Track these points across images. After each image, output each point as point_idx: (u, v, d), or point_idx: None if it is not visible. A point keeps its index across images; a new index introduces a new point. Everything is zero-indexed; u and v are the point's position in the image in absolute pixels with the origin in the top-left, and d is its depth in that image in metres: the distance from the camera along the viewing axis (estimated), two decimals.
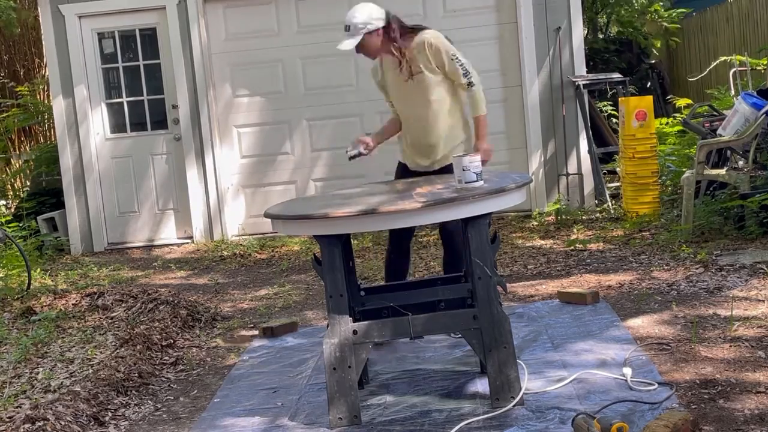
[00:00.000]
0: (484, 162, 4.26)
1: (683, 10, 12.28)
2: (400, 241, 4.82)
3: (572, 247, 6.74)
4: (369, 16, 4.50)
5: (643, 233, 6.97)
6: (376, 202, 3.69)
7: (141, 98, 8.94)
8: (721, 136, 6.66)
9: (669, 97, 10.75)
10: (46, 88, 11.64)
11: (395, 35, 4.56)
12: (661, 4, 12.01)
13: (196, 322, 5.61)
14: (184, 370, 4.78)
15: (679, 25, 12.60)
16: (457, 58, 4.54)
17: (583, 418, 3.26)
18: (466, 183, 3.68)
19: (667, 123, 9.46)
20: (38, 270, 7.72)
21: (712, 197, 6.71)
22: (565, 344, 4.45)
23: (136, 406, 4.24)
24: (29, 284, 6.78)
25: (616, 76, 8.97)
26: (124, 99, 8.95)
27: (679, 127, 8.65)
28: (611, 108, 10.48)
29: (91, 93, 8.87)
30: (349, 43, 4.49)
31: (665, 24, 12.18)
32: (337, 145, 8.72)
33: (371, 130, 8.57)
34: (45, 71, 11.64)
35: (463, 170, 3.69)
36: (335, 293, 3.63)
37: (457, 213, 3.55)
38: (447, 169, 4.51)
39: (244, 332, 5.43)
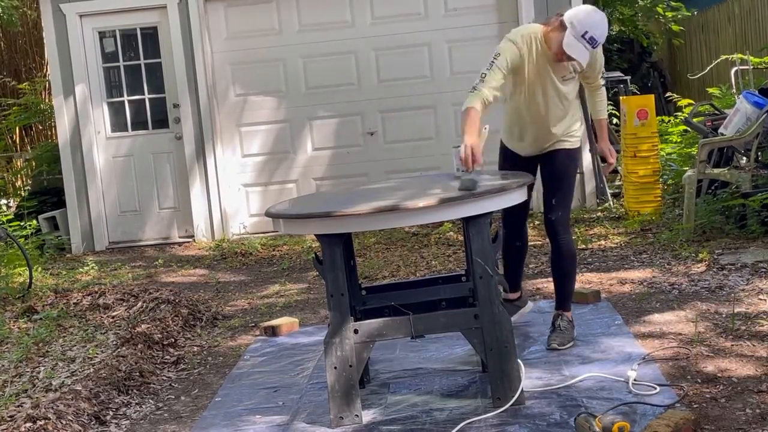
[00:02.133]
0: (611, 164, 4.36)
1: (686, 13, 12.26)
2: (518, 224, 4.67)
3: None
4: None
5: (645, 232, 6.97)
6: (377, 201, 3.69)
7: (142, 97, 8.94)
8: (722, 135, 6.65)
9: (668, 95, 10.74)
10: (47, 86, 11.64)
11: None
12: (665, 5, 12.00)
13: (198, 321, 5.61)
14: (185, 369, 4.78)
15: (682, 27, 12.59)
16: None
17: (585, 417, 3.26)
18: (462, 172, 3.79)
19: (669, 122, 9.46)
20: (39, 269, 7.72)
21: (713, 196, 6.71)
22: None
23: (137, 405, 4.24)
24: (30, 283, 6.78)
25: (618, 74, 8.96)
26: (125, 98, 8.95)
27: (681, 127, 8.65)
28: (612, 107, 10.47)
29: (92, 92, 8.87)
30: (587, 58, 4.16)
31: (668, 24, 12.17)
32: (338, 144, 8.73)
33: (372, 129, 8.65)
34: (46, 70, 11.65)
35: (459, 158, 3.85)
36: (336, 292, 3.63)
37: (458, 212, 3.55)
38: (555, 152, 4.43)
39: (245, 331, 5.43)
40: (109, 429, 3.96)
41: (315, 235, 3.79)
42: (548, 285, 5.68)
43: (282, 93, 8.77)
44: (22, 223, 8.79)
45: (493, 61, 4.14)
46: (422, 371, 4.27)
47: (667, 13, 11.99)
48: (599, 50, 4.31)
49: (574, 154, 4.49)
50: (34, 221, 8.98)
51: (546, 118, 4.36)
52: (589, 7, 4.20)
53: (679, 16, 12.14)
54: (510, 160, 4.62)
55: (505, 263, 4.75)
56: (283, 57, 8.72)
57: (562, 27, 4.12)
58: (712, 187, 6.82)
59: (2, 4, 9.70)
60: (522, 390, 3.64)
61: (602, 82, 4.49)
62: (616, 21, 13.29)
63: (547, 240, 7.12)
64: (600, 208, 8.22)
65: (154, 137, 8.94)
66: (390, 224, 3.68)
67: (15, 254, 7.77)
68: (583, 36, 4.05)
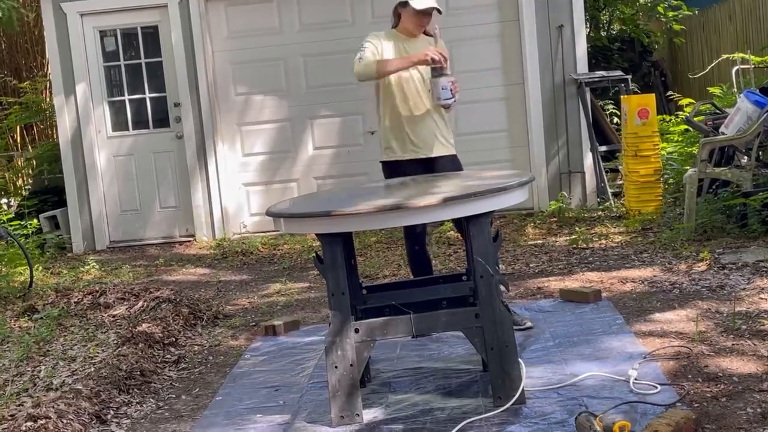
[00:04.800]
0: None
1: (687, 12, 12.25)
2: (419, 233, 4.86)
3: (574, 246, 6.73)
4: None
5: (646, 231, 6.96)
6: (378, 200, 3.69)
7: (143, 96, 8.94)
8: (723, 134, 6.65)
9: (669, 94, 10.73)
10: (48, 85, 11.64)
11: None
12: (666, 4, 11.98)
13: (198, 320, 5.62)
14: (186, 368, 4.78)
15: (683, 26, 12.58)
16: None
17: (586, 416, 3.26)
18: (444, 100, 4.39)
19: (670, 121, 9.45)
20: (40, 268, 7.72)
21: (714, 195, 6.70)
22: (567, 343, 4.45)
23: (138, 405, 4.24)
24: (31, 282, 6.79)
25: (619, 73, 8.96)
26: (126, 97, 8.95)
27: (682, 126, 8.64)
28: (612, 106, 10.47)
29: (93, 91, 8.87)
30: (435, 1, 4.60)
31: (669, 24, 12.15)
32: (339, 143, 8.73)
33: (373, 128, 8.64)
34: (47, 69, 11.66)
35: (442, 89, 4.36)
36: (337, 291, 3.63)
37: (459, 211, 3.55)
38: (439, 160, 4.73)
39: (246, 330, 5.43)
40: (110, 428, 3.96)
41: (316, 234, 3.79)
42: (548, 284, 5.69)
43: (283, 92, 8.77)
44: (22, 222, 8.79)
45: (362, 46, 4.61)
46: (423, 370, 4.27)
47: (668, 13, 11.97)
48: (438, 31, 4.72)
49: (457, 160, 4.82)
50: (35, 220, 8.98)
51: (424, 105, 4.67)
52: None
53: (680, 15, 12.12)
54: (397, 175, 4.76)
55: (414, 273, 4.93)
56: (283, 56, 8.72)
57: (402, 6, 4.64)
58: (713, 187, 6.81)
59: (2, 5, 9.69)
60: (523, 389, 3.64)
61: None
62: (617, 20, 13.28)
63: (547, 240, 7.14)
64: (601, 207, 8.22)
65: (155, 136, 8.94)
66: (391, 223, 3.68)
67: (16, 253, 7.77)
68: None
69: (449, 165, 4.76)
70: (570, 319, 4.85)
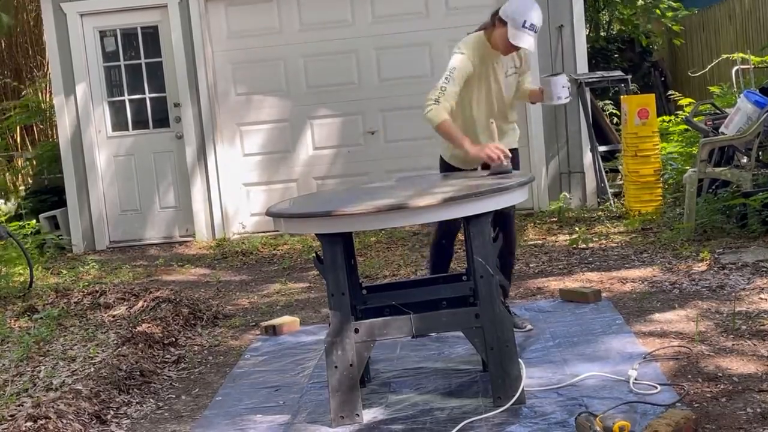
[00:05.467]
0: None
1: (687, 12, 12.25)
2: (452, 230, 4.82)
3: (574, 246, 6.73)
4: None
5: (646, 231, 6.96)
6: (378, 200, 3.68)
7: (143, 96, 8.94)
8: (723, 134, 6.65)
9: (669, 94, 10.73)
10: (48, 86, 11.65)
11: None
12: (665, 5, 11.99)
13: (198, 321, 5.61)
14: (186, 368, 4.78)
15: (682, 27, 12.58)
16: None
17: (586, 416, 3.26)
18: (565, 99, 4.52)
19: (670, 121, 9.45)
20: (40, 268, 7.72)
21: (714, 195, 6.70)
22: (567, 343, 4.45)
23: (137, 405, 4.24)
24: (31, 282, 6.79)
25: (618, 74, 8.96)
26: (126, 97, 8.95)
27: (682, 126, 8.64)
28: (612, 106, 10.47)
29: (93, 91, 8.87)
30: (534, 44, 4.53)
31: (669, 24, 12.16)
32: (338, 143, 8.73)
33: (373, 128, 8.65)
34: (47, 69, 11.66)
35: (563, 87, 4.48)
36: (337, 291, 3.63)
37: (459, 211, 3.55)
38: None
39: (246, 330, 5.43)
40: (110, 428, 3.96)
41: (316, 234, 3.78)
42: (548, 284, 5.69)
43: (283, 92, 8.77)
44: (20, 223, 8.79)
45: (449, 75, 4.41)
46: (423, 370, 4.27)
47: (667, 14, 11.98)
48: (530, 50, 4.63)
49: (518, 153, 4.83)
50: (33, 221, 8.98)
51: (502, 113, 4.64)
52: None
53: (680, 15, 12.13)
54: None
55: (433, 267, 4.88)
56: (283, 56, 8.72)
57: (502, 23, 4.43)
58: (713, 187, 6.81)
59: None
60: (523, 389, 3.64)
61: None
62: (616, 20, 13.28)
63: (547, 240, 7.14)
64: (601, 207, 8.22)
65: (155, 136, 8.94)
66: (391, 223, 3.68)
67: (16, 253, 7.76)
68: (523, 25, 4.36)
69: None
70: (570, 319, 4.85)
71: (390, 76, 8.58)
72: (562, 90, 4.52)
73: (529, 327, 4.75)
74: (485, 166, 4.57)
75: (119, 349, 4.87)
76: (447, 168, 4.75)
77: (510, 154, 4.21)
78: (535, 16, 4.39)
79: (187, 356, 4.95)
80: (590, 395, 3.69)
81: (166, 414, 4.12)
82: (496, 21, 4.48)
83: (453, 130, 4.37)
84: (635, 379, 3.76)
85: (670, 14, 12.02)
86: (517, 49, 4.50)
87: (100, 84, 8.90)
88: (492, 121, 4.42)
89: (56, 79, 8.87)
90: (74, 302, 6.10)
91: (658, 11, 11.86)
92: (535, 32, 4.41)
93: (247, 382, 4.42)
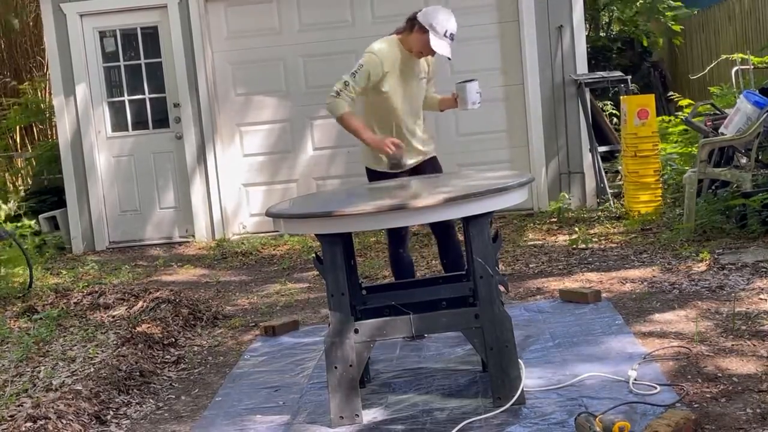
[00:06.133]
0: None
1: (686, 11, 12.26)
2: (403, 236, 4.89)
3: (574, 246, 6.73)
4: None
5: (645, 232, 6.96)
6: (378, 200, 3.69)
7: (143, 97, 8.94)
8: (723, 134, 6.65)
9: (669, 94, 10.74)
10: (47, 86, 11.64)
11: None
12: (665, 5, 12.00)
13: (198, 321, 5.61)
14: (186, 368, 4.78)
15: (682, 27, 12.59)
16: None
17: (585, 416, 3.26)
18: (478, 104, 4.65)
19: (670, 121, 9.46)
20: (40, 268, 7.72)
21: (714, 196, 6.70)
22: (567, 343, 4.44)
23: (137, 405, 4.24)
24: (31, 283, 6.79)
25: (618, 74, 8.97)
26: (126, 97, 8.95)
27: (682, 126, 8.64)
28: (612, 107, 10.47)
29: (93, 91, 8.87)
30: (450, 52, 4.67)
31: (669, 23, 12.17)
32: (338, 143, 8.72)
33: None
34: (47, 69, 11.65)
35: (476, 93, 4.63)
36: (337, 292, 3.63)
37: (459, 212, 3.55)
38: (422, 166, 4.82)
39: (245, 331, 5.43)
40: (110, 428, 3.96)
41: (315, 234, 3.79)
42: (548, 284, 5.69)
43: (282, 92, 8.77)
44: (18, 224, 8.79)
45: (356, 71, 4.61)
46: (423, 371, 4.27)
47: (667, 13, 11.99)
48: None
49: (438, 161, 4.97)
50: (33, 221, 8.97)
51: (417, 116, 4.79)
52: (438, 8, 4.74)
53: (680, 15, 12.14)
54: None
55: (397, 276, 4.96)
56: (283, 56, 8.72)
57: (422, 30, 4.61)
58: (713, 187, 6.81)
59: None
60: (522, 389, 3.64)
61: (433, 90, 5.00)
62: (616, 21, 13.29)
63: (547, 240, 7.14)
64: (600, 207, 8.22)
65: (155, 137, 8.94)
66: (392, 224, 3.68)
67: (16, 254, 7.76)
68: (444, 35, 4.60)
69: (429, 168, 4.86)
70: (570, 319, 4.85)
71: None
72: (476, 95, 4.67)
73: None
74: (414, 171, 4.76)
75: (119, 349, 4.87)
76: (374, 176, 4.81)
77: (403, 144, 4.57)
78: (454, 26, 4.64)
79: (186, 357, 4.95)
80: (590, 395, 3.69)
81: (166, 414, 4.12)
82: (416, 27, 4.64)
83: (354, 121, 4.62)
84: (635, 380, 3.76)
85: (670, 14, 12.03)
86: (432, 53, 4.67)
87: (99, 84, 8.90)
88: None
89: (56, 79, 8.87)
90: (74, 303, 6.10)
91: (661, 6, 11.86)
92: (452, 40, 4.63)
93: (246, 383, 4.42)
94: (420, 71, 4.77)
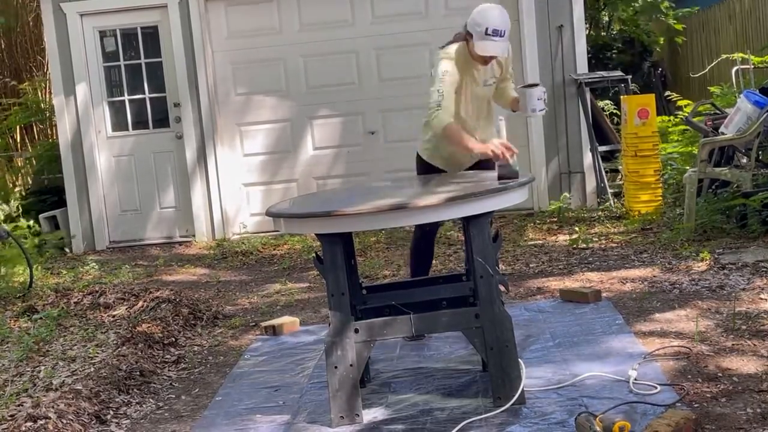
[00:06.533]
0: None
1: (688, 9, 12.26)
2: (430, 231, 4.85)
3: (574, 246, 6.73)
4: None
5: (646, 231, 6.96)
6: (378, 200, 3.68)
7: (143, 96, 8.94)
8: (723, 134, 6.64)
9: (667, 94, 10.73)
10: (47, 86, 11.64)
11: None
12: (667, 4, 12.00)
13: (198, 321, 5.61)
14: (186, 368, 4.78)
15: (684, 25, 12.59)
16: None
17: (585, 416, 3.26)
18: (539, 111, 4.37)
19: (670, 121, 9.46)
20: (40, 268, 7.72)
21: (714, 196, 6.70)
22: (567, 343, 4.44)
23: (137, 405, 4.24)
24: (31, 282, 6.78)
25: (619, 74, 8.96)
26: (126, 97, 8.95)
27: (682, 126, 8.64)
28: (612, 106, 10.47)
29: (93, 91, 8.87)
30: (504, 50, 4.46)
31: (669, 22, 12.17)
32: (338, 143, 8.73)
33: (372, 128, 8.66)
34: (47, 69, 11.65)
35: (538, 99, 4.33)
36: (337, 291, 3.63)
37: (460, 211, 3.55)
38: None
39: (246, 330, 5.43)
40: (110, 428, 3.96)
41: (316, 234, 3.78)
42: (548, 284, 5.69)
43: (283, 92, 8.77)
44: (17, 223, 8.79)
45: (443, 79, 4.37)
46: (423, 371, 4.27)
47: (669, 12, 11.99)
48: (509, 48, 4.58)
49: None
50: (33, 221, 8.97)
51: (478, 124, 4.61)
52: (481, 6, 4.42)
53: (680, 13, 12.13)
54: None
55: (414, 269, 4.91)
56: (283, 56, 8.72)
57: (470, 35, 4.40)
58: (713, 187, 6.81)
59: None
60: (523, 389, 3.64)
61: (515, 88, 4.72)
62: (616, 20, 13.28)
63: (547, 240, 7.14)
64: (601, 207, 8.22)
65: (155, 136, 8.94)
66: (392, 223, 3.68)
67: (16, 253, 7.76)
68: (486, 33, 4.32)
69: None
70: (570, 319, 4.85)
71: (390, 76, 8.58)
72: (537, 102, 4.39)
73: None
74: (474, 167, 4.59)
75: (119, 349, 4.87)
76: (427, 168, 4.74)
77: (517, 151, 4.11)
78: (497, 21, 4.32)
79: (187, 356, 4.95)
80: (590, 395, 3.68)
81: (166, 414, 4.12)
82: (465, 32, 4.45)
83: (459, 132, 4.37)
84: (635, 379, 3.76)
85: (672, 13, 12.04)
86: (492, 58, 4.46)
87: (100, 84, 8.90)
88: (501, 118, 4.44)
89: (56, 79, 8.87)
90: (74, 302, 6.10)
91: (664, 5, 11.86)
92: (501, 36, 4.33)
93: (247, 382, 4.42)
94: (487, 78, 4.58)
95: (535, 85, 4.46)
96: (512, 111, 4.78)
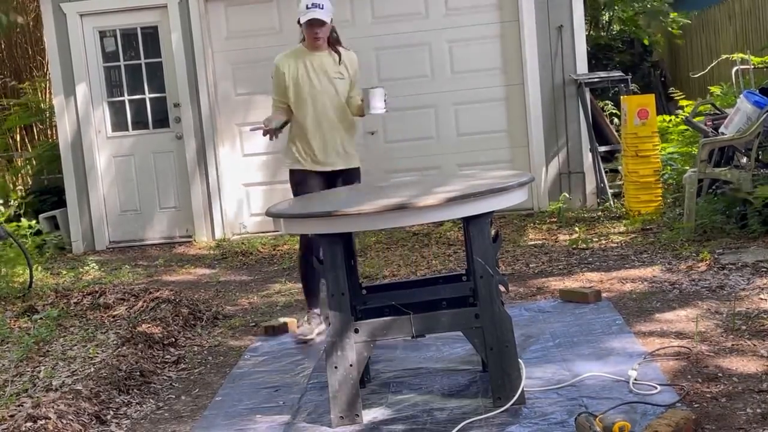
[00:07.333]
0: None
1: (685, 15, 12.27)
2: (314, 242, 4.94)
3: (574, 246, 6.73)
4: (331, 6, 4.83)
5: (646, 232, 6.96)
6: (379, 200, 3.68)
7: (143, 97, 8.94)
8: (723, 134, 6.65)
9: (670, 90, 10.72)
10: (47, 86, 11.64)
11: (336, 36, 4.96)
12: (668, 5, 12.01)
13: (198, 321, 5.61)
14: (186, 368, 4.78)
15: (686, 23, 12.59)
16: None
17: (585, 416, 3.26)
18: (380, 110, 4.71)
19: (670, 121, 9.46)
20: (40, 268, 7.71)
21: (714, 196, 6.70)
22: (567, 343, 4.44)
23: (137, 405, 4.24)
24: (31, 282, 6.78)
25: (619, 74, 8.97)
26: (126, 97, 8.96)
27: (682, 126, 8.64)
28: (612, 107, 10.47)
29: (93, 91, 8.87)
30: (325, 15, 4.74)
31: (670, 27, 12.19)
32: None
33: (373, 128, 8.65)
34: (47, 69, 11.65)
35: (381, 100, 4.68)
36: (337, 292, 3.63)
37: (460, 212, 3.55)
38: (341, 174, 5.00)
39: (246, 331, 5.43)
40: (110, 428, 3.96)
41: (316, 234, 3.79)
42: (548, 284, 5.69)
43: None
44: (18, 223, 8.78)
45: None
46: (423, 371, 4.27)
47: (672, 14, 12.00)
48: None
49: (359, 173, 5.16)
50: (33, 221, 8.96)
51: (334, 117, 4.94)
52: None
53: (681, 22, 12.16)
54: (306, 185, 4.98)
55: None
56: None
57: (299, 21, 4.83)
58: (713, 187, 6.81)
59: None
60: (523, 389, 3.64)
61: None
62: (616, 21, 13.29)
63: (547, 240, 7.14)
64: (600, 207, 8.22)
65: (155, 137, 8.94)
66: (391, 224, 3.67)
67: (16, 253, 7.76)
68: (307, 6, 4.73)
69: (351, 179, 5.00)
70: (570, 319, 4.85)
71: (389, 76, 8.57)
72: (378, 102, 4.75)
73: (310, 337, 4.94)
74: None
75: (119, 349, 4.87)
76: (301, 177, 4.98)
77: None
78: None
79: (187, 356, 4.95)
80: (590, 395, 3.68)
81: (166, 414, 4.12)
82: (299, 24, 4.84)
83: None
84: (635, 380, 3.76)
85: (674, 14, 12.04)
86: (318, 29, 4.76)
87: (100, 84, 8.90)
88: (379, 86, 4.78)
89: (56, 79, 8.87)
90: (74, 302, 6.10)
91: (672, 14, 11.88)
92: (322, 8, 4.72)
93: (247, 383, 4.42)
94: (333, 71, 4.91)
95: (379, 86, 4.86)
96: (360, 116, 5.07)
